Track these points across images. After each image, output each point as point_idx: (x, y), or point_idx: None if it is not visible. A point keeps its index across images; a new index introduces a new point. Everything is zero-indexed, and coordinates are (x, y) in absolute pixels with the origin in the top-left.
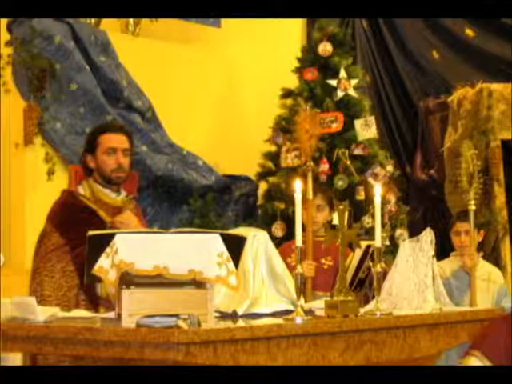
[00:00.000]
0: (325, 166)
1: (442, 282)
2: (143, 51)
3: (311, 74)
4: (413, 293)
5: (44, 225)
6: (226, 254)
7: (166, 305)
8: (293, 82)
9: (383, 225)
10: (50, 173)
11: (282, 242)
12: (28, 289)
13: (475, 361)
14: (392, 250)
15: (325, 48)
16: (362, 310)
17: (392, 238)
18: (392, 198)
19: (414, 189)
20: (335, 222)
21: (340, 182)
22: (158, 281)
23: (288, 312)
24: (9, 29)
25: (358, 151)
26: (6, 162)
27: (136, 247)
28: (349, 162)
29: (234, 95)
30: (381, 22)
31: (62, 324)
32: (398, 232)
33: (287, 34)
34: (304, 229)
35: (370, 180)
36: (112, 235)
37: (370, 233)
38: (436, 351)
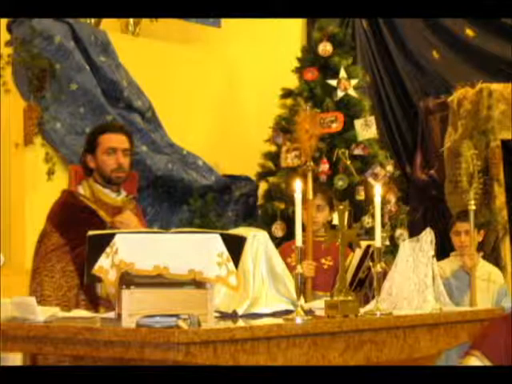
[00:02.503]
0: (325, 166)
1: (441, 282)
2: (143, 51)
3: (311, 74)
4: (413, 293)
5: (44, 225)
6: (226, 254)
7: (166, 305)
8: (293, 82)
9: (383, 225)
10: (50, 173)
11: (282, 242)
12: (28, 289)
13: (475, 361)
14: (392, 249)
15: (325, 48)
16: (362, 310)
17: (392, 238)
18: (392, 198)
19: (414, 189)
20: (335, 222)
21: (340, 182)
22: (158, 281)
23: (288, 312)
24: (9, 29)
25: (358, 151)
26: (6, 162)
27: (136, 247)
28: (349, 162)
29: (233, 95)
30: (381, 21)
31: (62, 324)
32: (398, 232)
33: (287, 34)
34: (304, 229)
35: (370, 180)
36: (112, 235)
37: (370, 233)
38: (436, 351)
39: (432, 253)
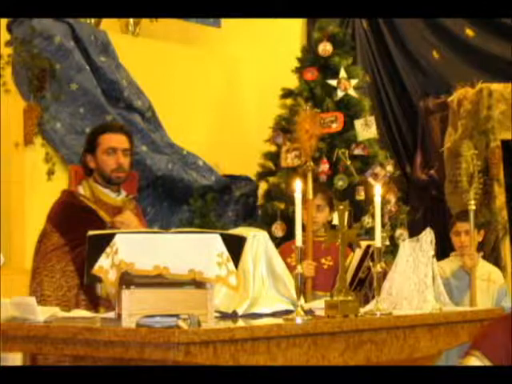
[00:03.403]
0: (325, 166)
1: (441, 282)
2: (143, 51)
3: (311, 74)
4: (413, 293)
5: (44, 225)
6: (226, 254)
7: (166, 305)
8: (293, 82)
9: (383, 225)
10: (50, 173)
11: (282, 242)
12: (28, 289)
13: (475, 361)
14: (392, 250)
15: (325, 48)
16: (362, 310)
17: (392, 238)
18: (392, 198)
19: (414, 189)
20: (335, 222)
21: (340, 182)
22: (158, 281)
23: (288, 312)
24: (9, 29)
25: (358, 151)
26: (6, 162)
27: (136, 247)
28: (349, 162)
29: (233, 95)
30: (381, 21)
31: (61, 324)
32: (398, 232)
33: (287, 34)
34: (304, 229)
35: (370, 180)
36: (112, 235)
37: (370, 233)
38: (436, 351)
39: (432, 253)
